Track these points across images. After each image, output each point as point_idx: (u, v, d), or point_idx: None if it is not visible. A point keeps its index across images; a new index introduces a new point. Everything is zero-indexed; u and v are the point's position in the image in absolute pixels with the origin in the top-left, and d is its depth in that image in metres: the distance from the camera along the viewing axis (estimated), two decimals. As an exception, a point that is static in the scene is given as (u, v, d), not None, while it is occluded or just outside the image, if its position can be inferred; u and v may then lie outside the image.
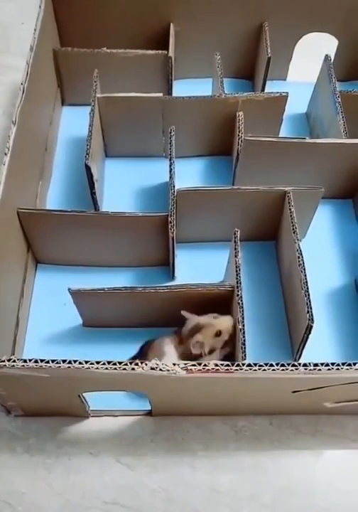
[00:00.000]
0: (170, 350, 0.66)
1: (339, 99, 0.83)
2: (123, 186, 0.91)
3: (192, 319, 0.67)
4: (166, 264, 0.80)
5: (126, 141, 0.90)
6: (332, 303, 0.79)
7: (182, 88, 1.04)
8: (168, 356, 0.65)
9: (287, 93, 0.82)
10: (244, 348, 0.60)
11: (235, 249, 0.67)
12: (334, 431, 0.71)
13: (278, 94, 0.82)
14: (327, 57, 0.89)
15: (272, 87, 1.02)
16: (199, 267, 0.82)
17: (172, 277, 0.79)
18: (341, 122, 0.81)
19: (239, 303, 0.63)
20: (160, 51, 0.90)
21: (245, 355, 0.60)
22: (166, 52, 0.90)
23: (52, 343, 0.75)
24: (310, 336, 0.68)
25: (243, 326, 0.61)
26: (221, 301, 0.67)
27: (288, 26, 0.94)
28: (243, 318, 0.62)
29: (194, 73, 1.03)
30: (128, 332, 0.76)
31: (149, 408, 0.67)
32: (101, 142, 0.88)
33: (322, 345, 0.75)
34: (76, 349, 0.74)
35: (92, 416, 0.70)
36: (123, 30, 0.94)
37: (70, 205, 0.86)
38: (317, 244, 0.85)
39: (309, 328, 0.63)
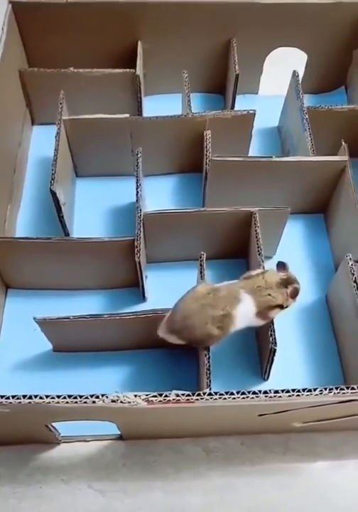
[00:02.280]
0: (245, 297, 0.63)
1: (307, 116, 0.83)
2: (95, 206, 0.91)
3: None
4: (138, 285, 0.80)
5: (96, 161, 0.90)
6: (303, 319, 0.80)
7: (154, 104, 1.04)
8: (244, 303, 0.63)
9: (254, 110, 0.83)
10: (209, 373, 0.60)
11: (201, 272, 0.67)
12: (305, 448, 0.71)
13: (246, 111, 0.83)
14: (294, 73, 0.89)
15: (243, 102, 1.03)
16: (171, 287, 0.80)
17: (143, 299, 0.79)
18: (308, 139, 0.81)
19: (203, 328, 0.63)
20: (127, 70, 0.90)
21: (210, 381, 0.60)
22: (134, 70, 0.89)
23: (23, 369, 0.75)
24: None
25: (208, 351, 0.61)
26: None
27: (257, 41, 0.94)
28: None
29: (165, 89, 1.03)
30: (100, 356, 0.76)
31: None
32: (70, 163, 0.88)
33: (293, 361, 0.76)
34: (47, 375, 0.74)
35: (63, 442, 0.70)
36: (91, 49, 0.94)
37: (41, 228, 0.86)
38: (289, 259, 0.84)
39: (272, 352, 0.63)
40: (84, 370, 0.75)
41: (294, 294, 0.65)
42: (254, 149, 0.97)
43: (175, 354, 0.75)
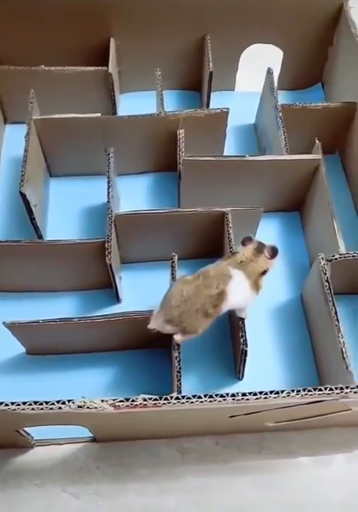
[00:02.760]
0: (236, 273, 0.65)
1: (281, 114, 0.83)
2: (69, 206, 0.90)
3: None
4: (112, 287, 0.79)
5: (69, 161, 0.89)
6: (278, 317, 0.80)
7: (130, 102, 1.04)
8: (236, 279, 0.64)
9: (227, 109, 0.82)
10: (179, 376, 0.60)
11: (172, 274, 0.67)
12: (280, 447, 0.71)
13: (219, 110, 0.82)
14: (269, 70, 0.89)
15: (220, 98, 1.03)
16: (145, 287, 0.81)
17: (118, 300, 0.79)
18: (282, 137, 0.81)
19: (175, 329, 0.62)
20: (99, 68, 0.89)
21: (180, 383, 0.59)
22: (106, 68, 0.88)
23: (-4, 372, 0.74)
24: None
25: (179, 353, 0.61)
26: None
27: (231, 38, 0.94)
28: (179, 346, 0.62)
29: (141, 86, 1.02)
30: (73, 358, 0.75)
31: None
32: (43, 163, 0.87)
33: (268, 360, 0.76)
34: (19, 378, 0.74)
35: (37, 445, 0.70)
36: (63, 46, 0.93)
37: (14, 231, 0.85)
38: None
39: (244, 353, 0.63)
40: (58, 372, 0.74)
41: (273, 253, 0.66)
42: (231, 147, 0.97)
43: (150, 355, 0.75)
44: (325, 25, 0.92)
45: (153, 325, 0.63)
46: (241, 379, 0.73)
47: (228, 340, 0.76)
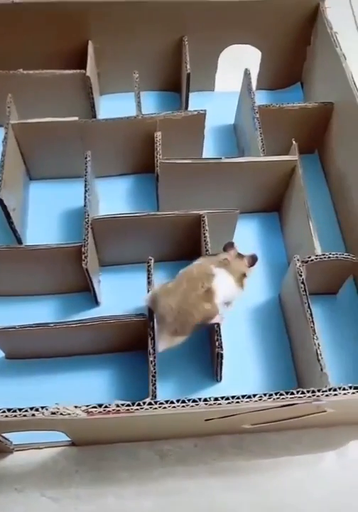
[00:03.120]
0: (219, 271, 0.67)
1: (257, 115, 0.83)
2: (49, 210, 0.90)
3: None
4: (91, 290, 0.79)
5: (49, 164, 0.89)
6: (257, 318, 0.80)
7: (110, 103, 1.04)
8: (219, 276, 0.66)
9: (205, 110, 0.82)
10: (154, 380, 0.60)
11: (148, 277, 0.67)
12: (259, 448, 0.72)
13: (196, 112, 0.82)
14: (246, 71, 0.89)
15: (199, 99, 1.03)
16: (124, 290, 0.82)
17: (96, 303, 0.79)
18: (259, 138, 0.81)
19: (150, 334, 0.63)
20: (77, 71, 0.89)
21: (155, 387, 0.60)
22: (84, 71, 0.88)
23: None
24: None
25: (155, 357, 0.61)
26: (138, 331, 0.67)
27: (209, 39, 0.94)
28: (154, 350, 0.62)
29: (121, 87, 1.02)
30: (53, 362, 0.75)
31: (73, 439, 0.68)
32: (22, 166, 0.87)
33: (246, 361, 0.77)
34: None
35: (16, 450, 0.70)
36: (40, 49, 0.93)
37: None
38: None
39: (219, 356, 0.63)
40: (38, 376, 0.75)
41: (253, 262, 0.69)
42: (210, 147, 0.98)
43: (128, 358, 0.75)
44: (302, 25, 0.92)
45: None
46: (220, 381, 0.73)
47: (206, 342, 0.76)
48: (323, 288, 0.78)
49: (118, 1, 0.87)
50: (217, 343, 0.63)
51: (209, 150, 0.96)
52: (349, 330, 0.79)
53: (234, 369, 0.73)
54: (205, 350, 0.76)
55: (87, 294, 0.80)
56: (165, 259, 0.81)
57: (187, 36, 0.93)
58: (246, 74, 0.88)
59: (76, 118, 0.81)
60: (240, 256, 0.69)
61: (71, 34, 0.91)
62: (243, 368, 0.75)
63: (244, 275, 0.69)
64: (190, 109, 0.95)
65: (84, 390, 0.73)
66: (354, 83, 0.79)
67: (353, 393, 0.52)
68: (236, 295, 0.69)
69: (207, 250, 0.71)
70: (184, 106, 0.95)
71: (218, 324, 0.65)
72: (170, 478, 0.69)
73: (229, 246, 0.69)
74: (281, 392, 0.53)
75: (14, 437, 0.67)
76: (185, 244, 0.79)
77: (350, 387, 0.53)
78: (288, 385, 0.73)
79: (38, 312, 0.79)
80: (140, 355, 0.73)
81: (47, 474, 0.69)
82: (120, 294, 0.81)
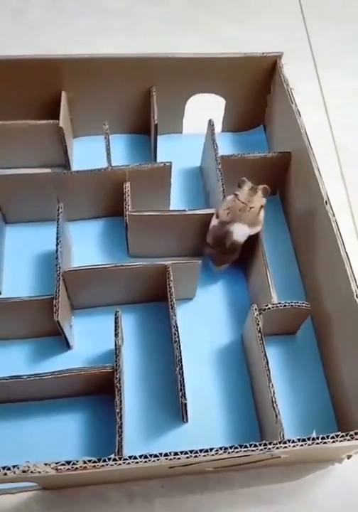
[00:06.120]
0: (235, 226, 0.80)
1: (220, 166, 0.88)
2: (25, 253, 0.93)
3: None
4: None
5: (24, 209, 0.93)
6: (221, 360, 0.84)
7: (82, 146, 1.08)
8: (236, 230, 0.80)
9: (170, 162, 0.87)
10: (121, 431, 0.64)
11: (115, 330, 0.71)
12: (223, 487, 0.76)
13: (162, 164, 0.87)
14: (210, 121, 0.94)
15: (168, 142, 1.08)
16: (96, 332, 0.85)
17: (68, 347, 0.82)
18: (220, 189, 0.86)
19: (117, 386, 0.67)
20: (51, 121, 0.92)
21: (122, 438, 0.64)
22: (57, 121, 0.92)
23: None
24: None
25: (121, 409, 0.65)
26: (107, 378, 0.71)
27: (175, 89, 0.99)
28: (121, 402, 0.66)
29: (94, 131, 1.06)
30: (25, 407, 0.78)
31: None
32: (-4, 212, 0.90)
33: (212, 402, 0.80)
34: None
35: (-10, 496, 0.73)
36: (16, 100, 0.96)
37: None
38: (208, 300, 0.90)
39: (183, 405, 0.67)
40: (8, 421, 0.77)
41: (266, 192, 0.80)
42: (178, 190, 1.02)
43: (98, 400, 0.79)
44: (263, 77, 0.98)
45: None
46: (187, 422, 0.77)
47: (174, 386, 0.80)
48: (282, 329, 0.83)
49: (90, 57, 0.92)
50: (180, 394, 0.67)
51: (176, 193, 1.00)
52: (307, 369, 0.84)
53: (199, 410, 0.78)
54: (173, 392, 0.80)
55: (60, 338, 0.83)
56: (136, 301, 0.85)
57: (155, 86, 0.97)
58: (210, 124, 0.93)
59: (49, 170, 0.86)
60: (254, 189, 0.80)
61: (46, 86, 0.95)
62: (208, 409, 0.79)
63: (262, 207, 0.80)
64: (159, 153, 1.00)
65: (55, 433, 0.76)
66: (308, 137, 0.84)
67: (301, 446, 0.57)
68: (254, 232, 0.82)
69: (171, 301, 0.75)
70: (153, 152, 0.99)
71: (182, 374, 0.69)
72: (138, 518, 0.73)
73: (242, 182, 0.80)
74: (236, 445, 0.57)
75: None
76: (153, 289, 0.83)
77: (299, 440, 0.58)
78: (250, 425, 0.79)
79: (9, 357, 0.82)
80: (110, 398, 0.77)
81: (21, 518, 0.72)
82: (92, 336, 0.85)
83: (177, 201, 0.99)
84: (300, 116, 0.86)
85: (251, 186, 0.80)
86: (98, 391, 0.75)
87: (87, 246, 0.95)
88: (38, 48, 1.02)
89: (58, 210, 0.83)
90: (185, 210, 0.83)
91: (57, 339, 0.84)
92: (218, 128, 1.09)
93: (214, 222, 0.82)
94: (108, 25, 1.34)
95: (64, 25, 1.33)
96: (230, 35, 1.32)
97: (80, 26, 1.33)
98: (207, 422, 0.79)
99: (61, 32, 1.31)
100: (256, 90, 1.00)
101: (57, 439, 0.76)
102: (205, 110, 1.03)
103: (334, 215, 0.76)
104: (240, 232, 0.80)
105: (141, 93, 0.99)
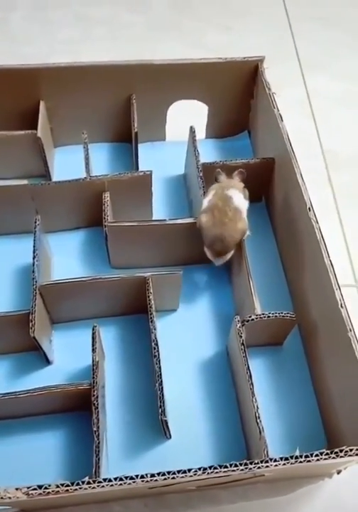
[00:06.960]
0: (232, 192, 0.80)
1: (201, 174, 0.86)
2: (3, 267, 0.91)
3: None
4: (42, 349, 0.80)
5: (2, 222, 0.90)
6: (205, 370, 0.82)
7: (63, 155, 1.06)
8: (234, 196, 0.80)
9: (150, 171, 0.85)
10: (98, 451, 0.62)
11: (93, 345, 0.69)
12: (206, 505, 0.73)
13: (142, 173, 0.85)
14: (191, 128, 0.92)
15: (150, 150, 1.06)
16: (76, 346, 0.83)
17: (48, 362, 0.80)
18: (202, 197, 0.84)
19: (94, 403, 0.64)
20: (29, 131, 0.91)
21: (99, 458, 0.61)
22: (35, 132, 0.90)
23: None
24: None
25: (98, 428, 0.63)
26: (84, 397, 0.69)
27: (156, 96, 0.97)
28: (98, 420, 0.64)
29: (73, 139, 1.04)
30: (5, 424, 0.76)
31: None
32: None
33: (196, 416, 0.78)
34: None
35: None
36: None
37: None
38: (192, 311, 0.88)
39: (163, 422, 0.65)
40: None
41: (242, 175, 0.83)
42: (161, 198, 1.00)
43: (76, 417, 0.76)
44: (246, 82, 0.96)
45: (220, 263, 0.82)
46: (170, 438, 0.75)
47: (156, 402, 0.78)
48: (268, 340, 0.80)
49: (68, 66, 0.90)
50: (159, 411, 0.65)
51: (159, 201, 0.98)
52: (294, 380, 0.81)
53: (184, 425, 0.76)
54: (156, 408, 0.77)
55: (39, 352, 0.81)
56: (117, 314, 0.83)
57: (136, 94, 0.96)
58: (191, 131, 0.91)
59: (26, 181, 0.84)
60: (231, 177, 0.83)
61: (24, 96, 0.94)
62: (193, 424, 0.77)
63: (244, 188, 0.82)
64: (142, 161, 0.98)
65: (33, 451, 0.74)
66: (290, 142, 0.82)
67: (284, 465, 0.55)
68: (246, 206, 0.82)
69: (150, 314, 0.73)
70: (134, 160, 0.97)
71: (161, 390, 0.67)
72: (121, 539, 0.71)
73: (218, 175, 0.82)
74: (216, 466, 0.55)
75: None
76: (134, 302, 0.81)
77: (281, 459, 0.55)
78: (236, 440, 0.76)
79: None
80: (88, 415, 0.74)
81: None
82: (72, 351, 0.83)
83: (160, 210, 0.98)
84: (282, 120, 0.84)
85: (226, 176, 0.83)
86: (77, 408, 0.73)
87: (67, 257, 0.93)
88: (20, 58, 1.00)
89: (35, 222, 0.81)
90: (165, 220, 0.81)
91: (36, 354, 0.81)
92: (203, 134, 1.08)
93: (203, 218, 0.79)
94: (91, 34, 1.33)
95: (46, 34, 1.31)
96: (215, 40, 1.31)
97: (63, 35, 1.31)
98: (192, 437, 0.77)
99: (44, 41, 1.29)
100: (239, 95, 0.98)
101: (35, 457, 0.74)
102: (189, 116, 1.01)
103: (317, 222, 0.74)
104: (237, 197, 0.79)
105: (121, 101, 0.97)
